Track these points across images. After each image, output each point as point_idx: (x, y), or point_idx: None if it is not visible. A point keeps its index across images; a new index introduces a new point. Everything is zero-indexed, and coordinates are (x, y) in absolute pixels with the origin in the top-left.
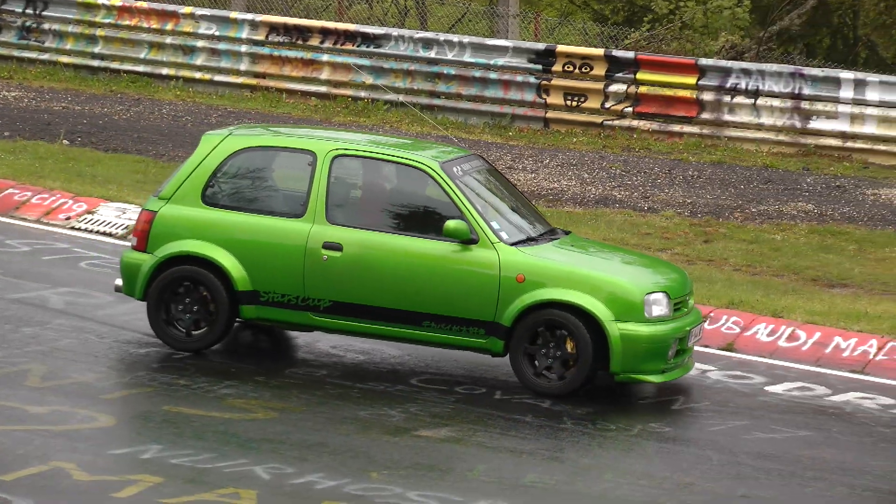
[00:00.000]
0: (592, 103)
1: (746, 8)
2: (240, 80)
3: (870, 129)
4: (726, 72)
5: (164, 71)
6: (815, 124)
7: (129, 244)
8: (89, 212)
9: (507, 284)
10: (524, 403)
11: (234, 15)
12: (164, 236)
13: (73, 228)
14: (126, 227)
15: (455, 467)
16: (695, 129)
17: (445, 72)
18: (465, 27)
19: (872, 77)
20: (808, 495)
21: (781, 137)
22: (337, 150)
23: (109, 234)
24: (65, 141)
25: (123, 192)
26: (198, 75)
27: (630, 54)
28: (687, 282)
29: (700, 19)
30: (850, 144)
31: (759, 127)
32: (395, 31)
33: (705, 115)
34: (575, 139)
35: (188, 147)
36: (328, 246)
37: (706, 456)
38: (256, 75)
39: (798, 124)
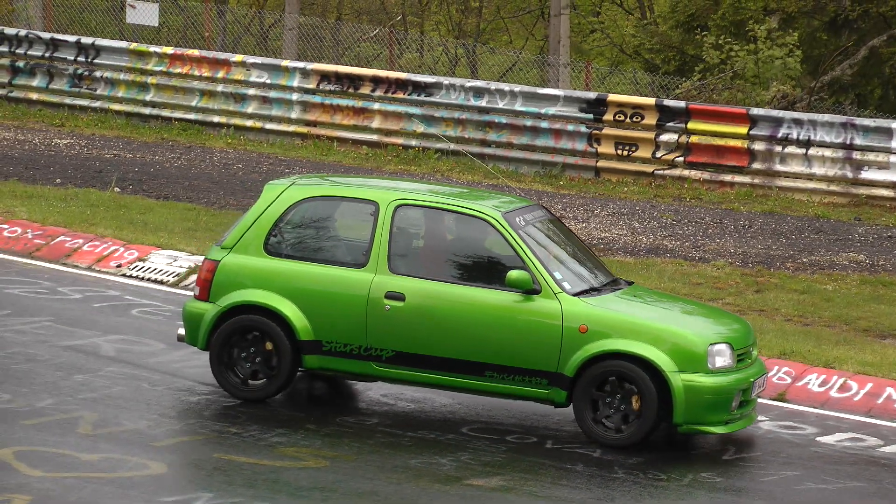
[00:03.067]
0: (643, 152)
1: (798, 58)
2: (291, 128)
3: None
4: (777, 121)
5: (216, 119)
6: (866, 174)
7: (182, 292)
8: (140, 259)
9: (570, 335)
10: (575, 453)
11: (285, 63)
12: (227, 286)
13: (124, 276)
14: (177, 275)
15: None
16: (746, 179)
17: (496, 120)
18: (516, 76)
19: None
20: None
21: (833, 187)
22: (399, 199)
23: (160, 282)
24: (116, 189)
25: (174, 239)
26: (249, 123)
27: (681, 104)
28: (750, 333)
29: (751, 69)
30: None
31: (811, 177)
32: (445, 80)
33: (756, 165)
34: (626, 188)
35: (239, 195)
36: (391, 296)
37: None
38: (307, 123)
39: (850, 174)
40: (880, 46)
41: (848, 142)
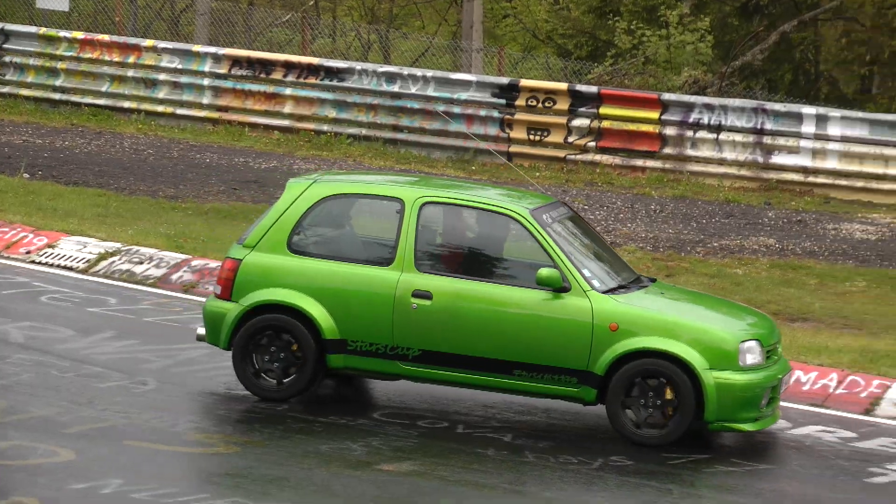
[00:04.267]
0: (555, 137)
1: (709, 43)
2: (202, 113)
3: (831, 164)
4: (689, 107)
5: (126, 104)
6: (776, 159)
7: (92, 278)
8: (50, 245)
9: (601, 333)
10: (486, 437)
11: (196, 48)
12: (250, 284)
13: (33, 262)
14: (87, 261)
15: (418, 501)
16: (657, 164)
17: (409, 106)
18: (429, 61)
19: (834, 112)
20: None
21: (743, 172)
22: (425, 197)
23: (70, 268)
24: (25, 174)
25: (84, 225)
26: (160, 108)
27: (593, 89)
28: (775, 329)
29: (663, 54)
30: (811, 179)
31: (722, 161)
32: (358, 66)
33: (668, 150)
34: (538, 173)
35: (149, 181)
36: (418, 294)
37: (667, 489)
38: (219, 109)
39: (760, 159)
40: (791, 32)
41: (758, 127)
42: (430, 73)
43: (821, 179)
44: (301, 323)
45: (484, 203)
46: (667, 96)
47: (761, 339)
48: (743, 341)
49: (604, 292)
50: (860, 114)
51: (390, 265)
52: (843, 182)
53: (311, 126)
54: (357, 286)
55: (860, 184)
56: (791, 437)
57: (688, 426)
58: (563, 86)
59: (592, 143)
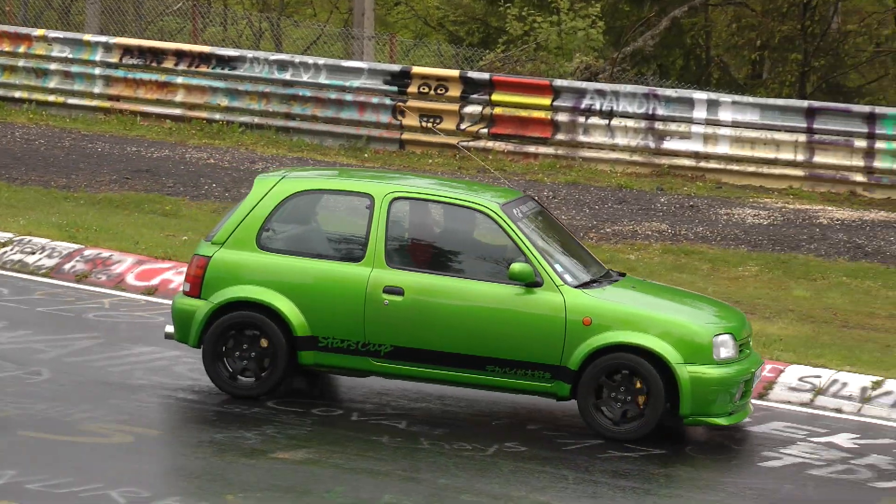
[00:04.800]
0: (448, 124)
1: (600, 29)
2: (94, 102)
3: (723, 149)
4: (581, 93)
5: (17, 94)
6: (668, 144)
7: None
8: None
9: (574, 328)
10: (381, 425)
11: (87, 37)
12: (219, 282)
13: None
14: None
15: (312, 489)
16: (550, 150)
17: (301, 94)
18: (321, 49)
19: (725, 97)
20: None
21: (636, 158)
22: (395, 192)
23: None
24: None
25: None
26: (51, 98)
27: (485, 75)
28: (747, 323)
29: (554, 40)
30: (703, 164)
31: (614, 147)
32: (249, 54)
33: (560, 136)
34: (431, 160)
35: (41, 170)
36: (389, 290)
37: (562, 475)
38: (110, 98)
39: (652, 144)
40: (682, 17)
41: (650, 112)
42: (321, 61)
43: (712, 164)
44: (271, 320)
45: (454, 198)
46: (558, 82)
47: (734, 332)
48: (716, 335)
49: (576, 287)
50: (751, 99)
51: (361, 261)
52: (735, 167)
53: (204, 115)
54: (327, 282)
55: (752, 168)
56: (682, 423)
57: (658, 420)
58: (455, 73)
59: (485, 130)
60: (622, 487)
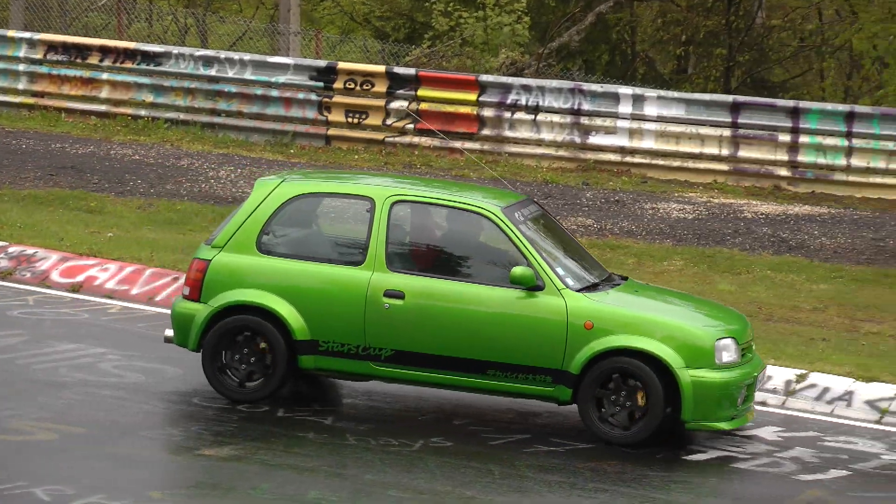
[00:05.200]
0: (374, 120)
1: (526, 24)
2: (18, 99)
3: (648, 143)
4: (506, 88)
5: None
6: (594, 139)
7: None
8: None
9: (575, 332)
10: (307, 421)
11: (11, 33)
12: (219, 285)
13: None
14: None
15: (238, 486)
16: (476, 145)
17: (226, 90)
18: (247, 45)
19: (650, 92)
20: None
21: (561, 153)
22: (395, 195)
23: None
24: None
25: None
26: None
27: (411, 71)
28: (749, 326)
29: (480, 36)
30: (628, 159)
31: (540, 142)
32: (175, 49)
33: (486, 132)
34: (357, 156)
35: None
36: (390, 294)
37: (488, 469)
38: (35, 94)
39: (578, 139)
40: (607, 12)
41: (576, 107)
42: (247, 57)
43: (638, 159)
44: (271, 324)
45: (455, 201)
46: (484, 78)
47: (736, 336)
48: (719, 339)
49: (578, 290)
50: (676, 94)
51: (361, 265)
52: (660, 161)
53: (129, 111)
54: (328, 286)
55: (677, 163)
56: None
57: (659, 424)
58: (381, 68)
59: (411, 126)
60: (548, 482)
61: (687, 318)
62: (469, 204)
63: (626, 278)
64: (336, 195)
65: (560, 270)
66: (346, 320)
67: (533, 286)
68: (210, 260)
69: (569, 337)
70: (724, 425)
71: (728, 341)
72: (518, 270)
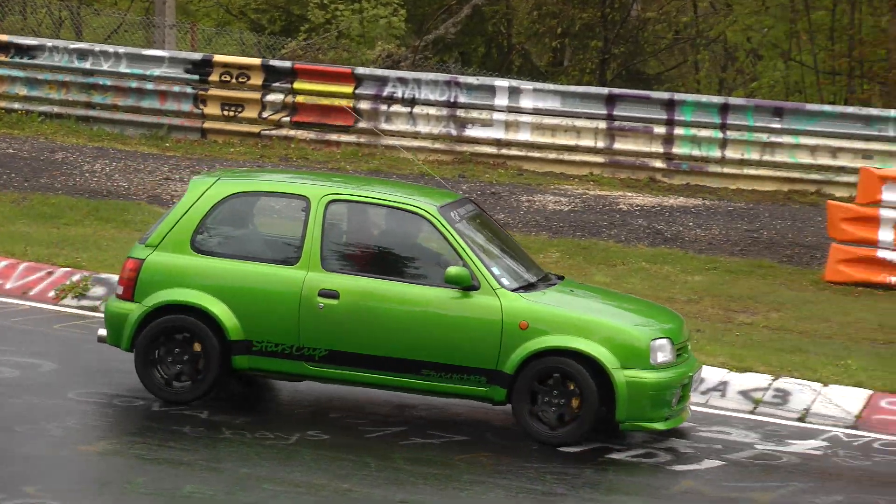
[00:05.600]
0: (250, 113)
1: (402, 17)
2: None
3: (524, 136)
4: (383, 81)
5: None
6: (470, 132)
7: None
8: None
9: (511, 331)
10: (182, 415)
11: None
12: (153, 285)
13: None
14: None
15: (113, 480)
16: (352, 138)
17: (101, 83)
18: (122, 38)
19: (526, 85)
20: (464, 498)
21: (438, 145)
22: (331, 194)
23: None
24: None
25: None
26: None
27: (287, 63)
28: (684, 326)
29: (356, 28)
30: (504, 152)
31: (416, 135)
32: (49, 42)
33: (362, 124)
34: (233, 149)
35: None
36: (324, 294)
37: (364, 462)
38: None
39: (454, 132)
40: (483, 5)
41: (452, 100)
42: (122, 50)
43: (514, 152)
44: (205, 323)
45: (391, 201)
46: (360, 70)
47: (672, 336)
48: (654, 339)
49: (513, 290)
50: (552, 86)
51: (296, 264)
52: (536, 154)
53: (2, 104)
54: (262, 286)
55: (553, 155)
56: (484, 409)
57: (592, 424)
58: (257, 61)
59: (287, 119)
60: (424, 474)
61: (622, 319)
62: (405, 203)
63: (562, 278)
64: (271, 194)
65: (495, 270)
66: (280, 320)
67: (468, 286)
68: (144, 259)
69: (504, 337)
70: (658, 426)
71: (663, 341)
72: (453, 270)
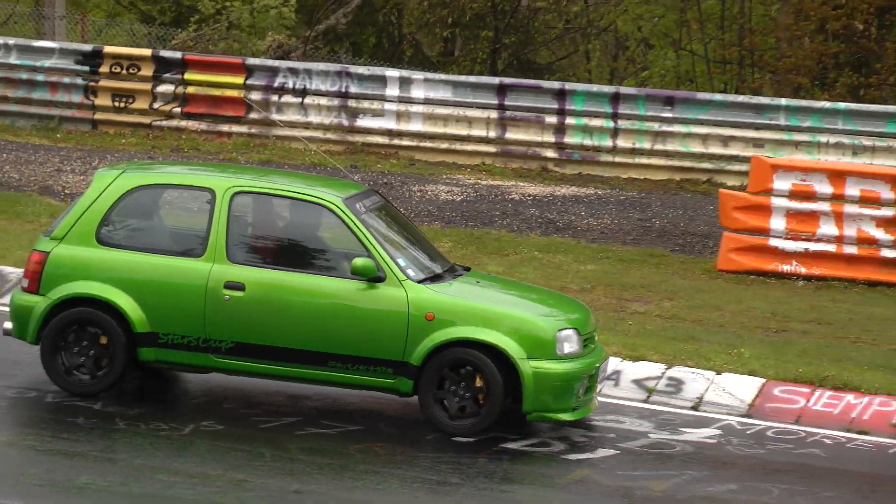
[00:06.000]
0: (141, 104)
1: (292, 7)
2: None
3: (415, 126)
4: (273, 71)
5: None
6: (362, 122)
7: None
8: None
9: (416, 323)
10: (76, 405)
11: None
12: (58, 277)
13: None
14: None
15: (7, 472)
16: (243, 129)
17: None
18: (12, 29)
19: (417, 75)
20: (360, 488)
21: (329, 136)
22: (236, 186)
23: None
24: None
25: None
26: None
27: (177, 55)
28: (591, 317)
29: (247, 19)
30: (396, 142)
31: (308, 125)
32: None
33: (254, 115)
34: (124, 140)
35: None
36: (230, 286)
37: (259, 452)
38: None
39: (346, 122)
40: None
41: (343, 90)
42: (11, 41)
43: (406, 142)
44: (111, 316)
45: (296, 192)
46: (251, 61)
47: (578, 327)
48: (560, 330)
49: (419, 281)
50: (443, 76)
51: (202, 256)
52: (428, 144)
53: None
54: (168, 278)
55: (444, 145)
56: (377, 399)
57: (497, 415)
58: (147, 52)
59: (178, 109)
60: (319, 464)
61: (528, 309)
62: (310, 195)
63: (468, 269)
64: (176, 186)
65: (401, 261)
66: (186, 312)
67: (374, 277)
68: (49, 252)
69: (410, 328)
70: (565, 416)
71: (569, 332)
72: (359, 262)
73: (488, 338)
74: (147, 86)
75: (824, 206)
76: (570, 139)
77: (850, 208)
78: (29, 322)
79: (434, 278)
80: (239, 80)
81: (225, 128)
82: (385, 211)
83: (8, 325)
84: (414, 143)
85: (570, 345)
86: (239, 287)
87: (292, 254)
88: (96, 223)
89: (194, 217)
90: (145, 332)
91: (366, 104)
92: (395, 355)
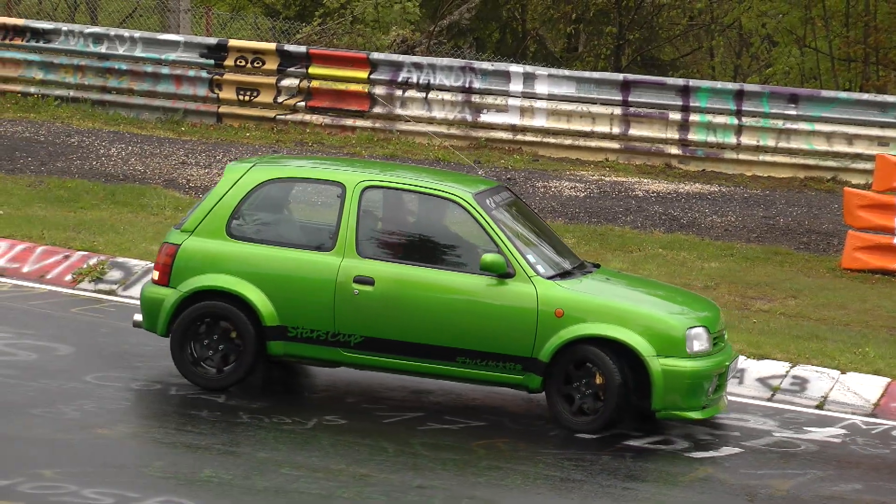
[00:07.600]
0: (265, 98)
1: (416, 2)
2: None
3: (539, 122)
4: (397, 66)
5: None
6: (485, 117)
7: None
8: None
9: (546, 319)
10: (200, 399)
11: None
12: (188, 270)
13: None
14: None
15: (131, 464)
16: (367, 123)
17: (117, 67)
18: (137, 22)
19: (541, 70)
20: (482, 484)
21: (453, 131)
22: (366, 181)
23: None
24: None
25: None
26: None
27: (302, 48)
28: (720, 315)
29: (371, 13)
30: (520, 137)
31: (431, 120)
32: (65, 27)
33: (377, 109)
34: (248, 133)
35: None
36: (360, 280)
37: (382, 447)
38: None
39: (469, 117)
40: None
41: (467, 85)
42: (137, 34)
43: (529, 137)
44: (240, 309)
45: (426, 187)
46: (375, 55)
47: (708, 325)
48: (690, 328)
49: (548, 278)
50: (567, 72)
51: (331, 250)
52: (552, 140)
53: (18, 88)
54: (297, 272)
55: (568, 141)
56: (501, 394)
57: (624, 412)
58: (272, 46)
59: (302, 103)
60: (442, 459)
61: (658, 307)
62: (440, 190)
63: (598, 266)
64: (306, 180)
65: (531, 257)
66: (315, 306)
67: (503, 273)
68: (179, 244)
69: (539, 325)
70: (694, 415)
71: (700, 330)
72: (488, 257)
73: (618, 335)
74: (271, 79)
75: None
76: (694, 136)
77: None
78: (159, 315)
79: (564, 275)
80: (363, 74)
81: (349, 122)
82: (515, 207)
83: (138, 317)
84: (537, 139)
85: (699, 343)
86: (368, 281)
87: (421, 249)
88: (227, 216)
89: (324, 211)
90: (275, 326)
91: (489, 99)
92: (523, 351)
